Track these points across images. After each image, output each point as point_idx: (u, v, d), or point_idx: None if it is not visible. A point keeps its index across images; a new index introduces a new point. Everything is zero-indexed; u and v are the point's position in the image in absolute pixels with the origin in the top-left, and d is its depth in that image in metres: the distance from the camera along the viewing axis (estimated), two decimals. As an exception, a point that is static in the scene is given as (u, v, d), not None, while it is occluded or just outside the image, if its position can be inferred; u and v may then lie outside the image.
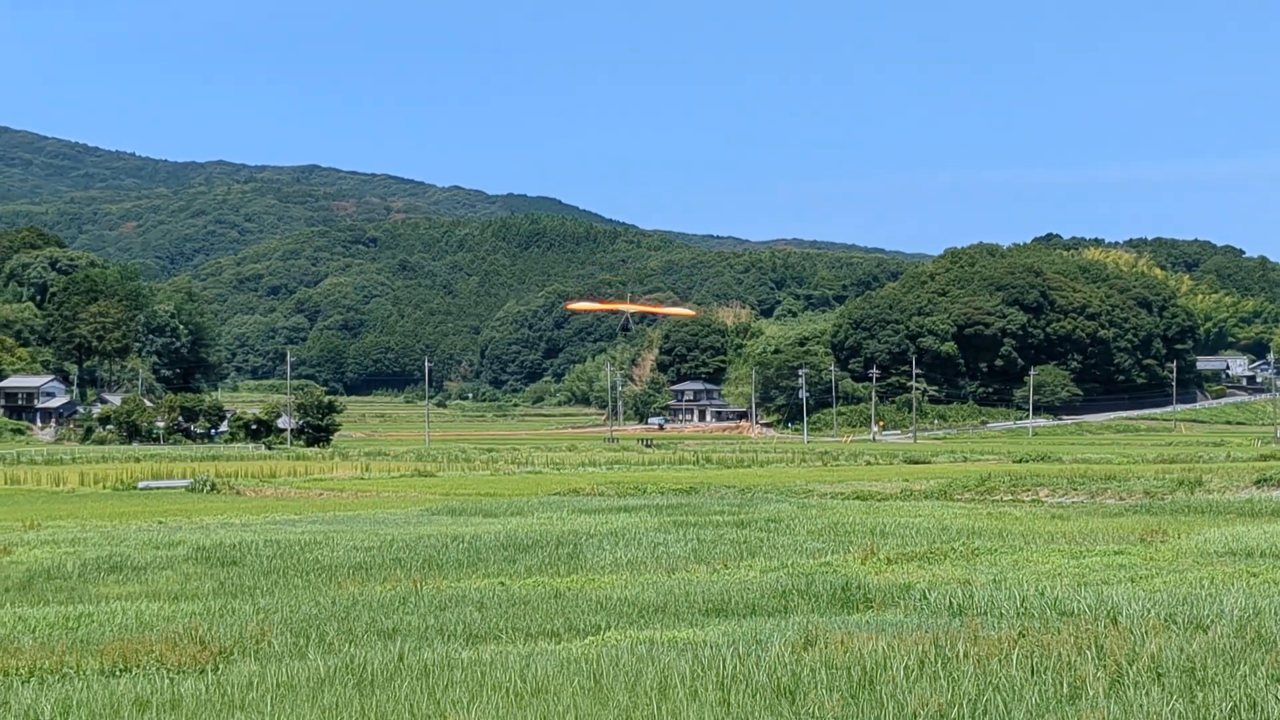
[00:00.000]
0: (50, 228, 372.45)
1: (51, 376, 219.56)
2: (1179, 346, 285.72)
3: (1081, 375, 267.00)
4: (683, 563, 36.98)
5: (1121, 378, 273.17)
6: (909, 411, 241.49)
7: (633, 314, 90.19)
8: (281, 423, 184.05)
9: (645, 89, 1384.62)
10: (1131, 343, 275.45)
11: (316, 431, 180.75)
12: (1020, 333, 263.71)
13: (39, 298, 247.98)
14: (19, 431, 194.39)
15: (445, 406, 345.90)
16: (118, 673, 19.68)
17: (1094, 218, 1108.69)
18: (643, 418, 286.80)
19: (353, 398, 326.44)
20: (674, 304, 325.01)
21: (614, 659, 18.62)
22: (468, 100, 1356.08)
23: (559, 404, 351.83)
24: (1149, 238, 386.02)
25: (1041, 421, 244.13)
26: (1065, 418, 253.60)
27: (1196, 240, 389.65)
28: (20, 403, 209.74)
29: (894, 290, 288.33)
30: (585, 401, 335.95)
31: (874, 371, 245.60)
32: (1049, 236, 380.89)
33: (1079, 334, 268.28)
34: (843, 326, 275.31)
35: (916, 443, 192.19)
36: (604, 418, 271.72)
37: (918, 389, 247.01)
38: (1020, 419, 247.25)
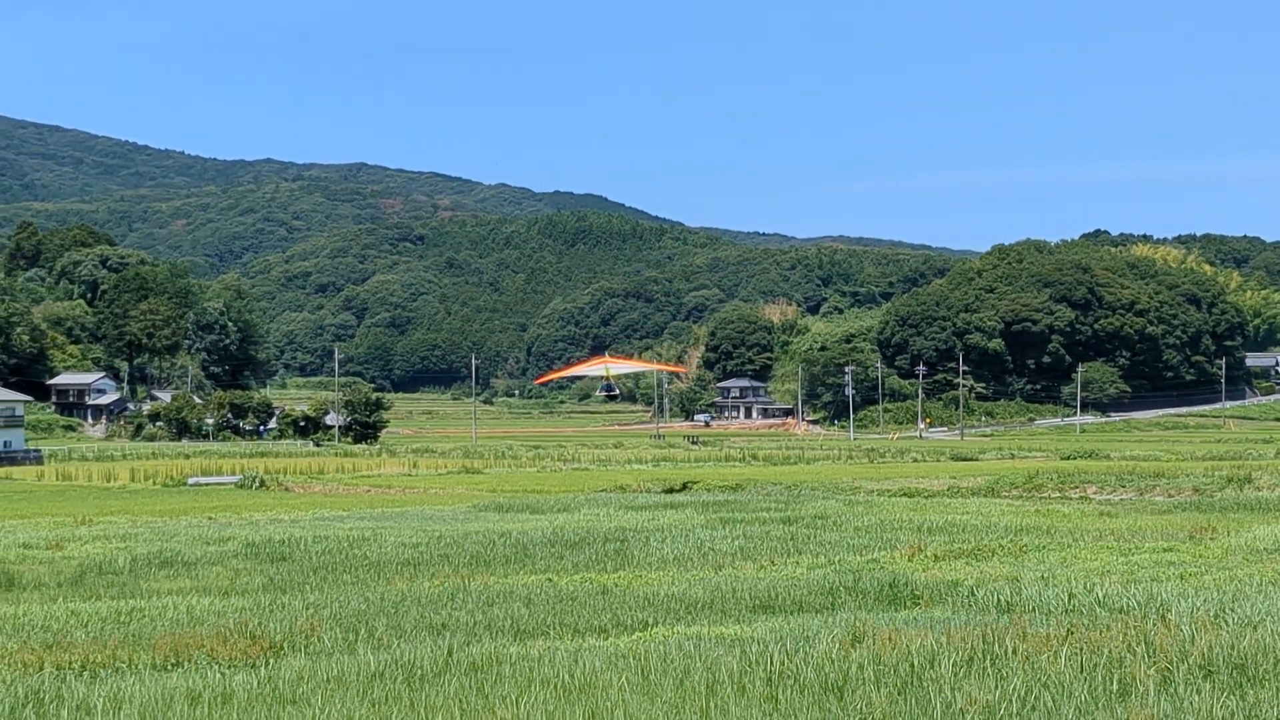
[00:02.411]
0: (101, 226, 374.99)
1: (102, 374, 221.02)
2: (1228, 343, 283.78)
3: (1130, 372, 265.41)
4: (730, 559, 36.99)
5: (1170, 374, 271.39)
6: (956, 408, 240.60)
7: (622, 372, 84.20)
8: (329, 420, 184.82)
9: (691, 87, 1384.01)
10: (1180, 339, 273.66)
11: (364, 428, 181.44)
12: (1068, 329, 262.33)
13: (90, 295, 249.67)
14: (70, 428, 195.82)
15: (492, 404, 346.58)
16: (169, 667, 19.83)
17: (1142, 214, 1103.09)
18: (689, 415, 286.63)
19: (400, 395, 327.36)
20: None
21: (662, 655, 18.65)
22: (514, 98, 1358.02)
23: (605, 400, 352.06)
24: (1198, 234, 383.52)
25: (1089, 418, 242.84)
26: (1113, 415, 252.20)
27: (1246, 236, 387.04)
28: (71, 400, 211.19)
29: (941, 287, 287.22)
30: (631, 399, 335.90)
31: (920, 368, 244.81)
32: (1097, 233, 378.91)
33: (1127, 331, 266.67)
34: (889, 323, 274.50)
35: (963, 440, 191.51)
36: (650, 415, 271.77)
37: (965, 386, 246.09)
38: (1068, 416, 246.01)
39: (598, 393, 76.98)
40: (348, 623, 24.52)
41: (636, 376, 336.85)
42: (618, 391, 69.61)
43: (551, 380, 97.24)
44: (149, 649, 21.08)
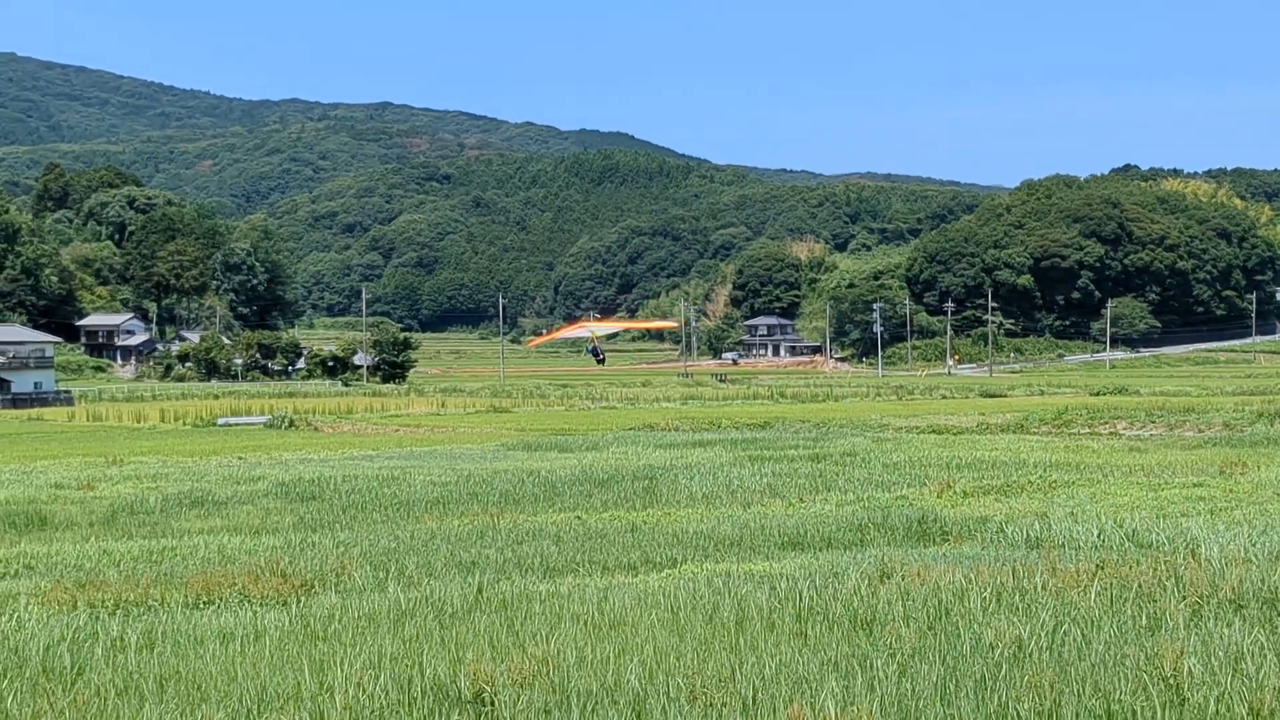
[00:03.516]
0: (127, 167, 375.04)
1: (131, 314, 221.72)
2: (1259, 277, 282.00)
3: (1160, 307, 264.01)
4: (758, 497, 37.04)
5: (1200, 309, 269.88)
6: (985, 345, 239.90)
7: (607, 332, 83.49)
8: (358, 360, 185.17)
9: (717, 24, 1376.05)
10: (1210, 274, 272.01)
11: (392, 368, 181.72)
12: (1098, 265, 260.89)
13: (117, 236, 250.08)
14: (100, 369, 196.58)
15: (520, 343, 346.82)
16: (201, 605, 19.97)
17: (1172, 148, 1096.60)
18: (717, 353, 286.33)
19: (428, 334, 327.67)
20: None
21: (691, 592, 18.70)
22: (540, 35, 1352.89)
23: (633, 339, 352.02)
24: (1228, 168, 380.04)
25: (1119, 354, 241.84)
26: (1143, 350, 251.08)
27: (1277, 170, 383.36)
28: (101, 340, 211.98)
29: (969, 223, 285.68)
30: (659, 337, 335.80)
31: (949, 305, 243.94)
32: (1127, 167, 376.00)
33: (1157, 266, 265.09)
34: (918, 260, 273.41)
35: (992, 376, 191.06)
36: (678, 353, 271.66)
37: (994, 322, 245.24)
38: (1097, 352, 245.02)
39: (584, 354, 76.49)
40: (378, 561, 24.64)
41: (664, 314, 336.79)
42: (603, 355, 69.33)
43: (541, 344, 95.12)
44: (181, 587, 21.22)
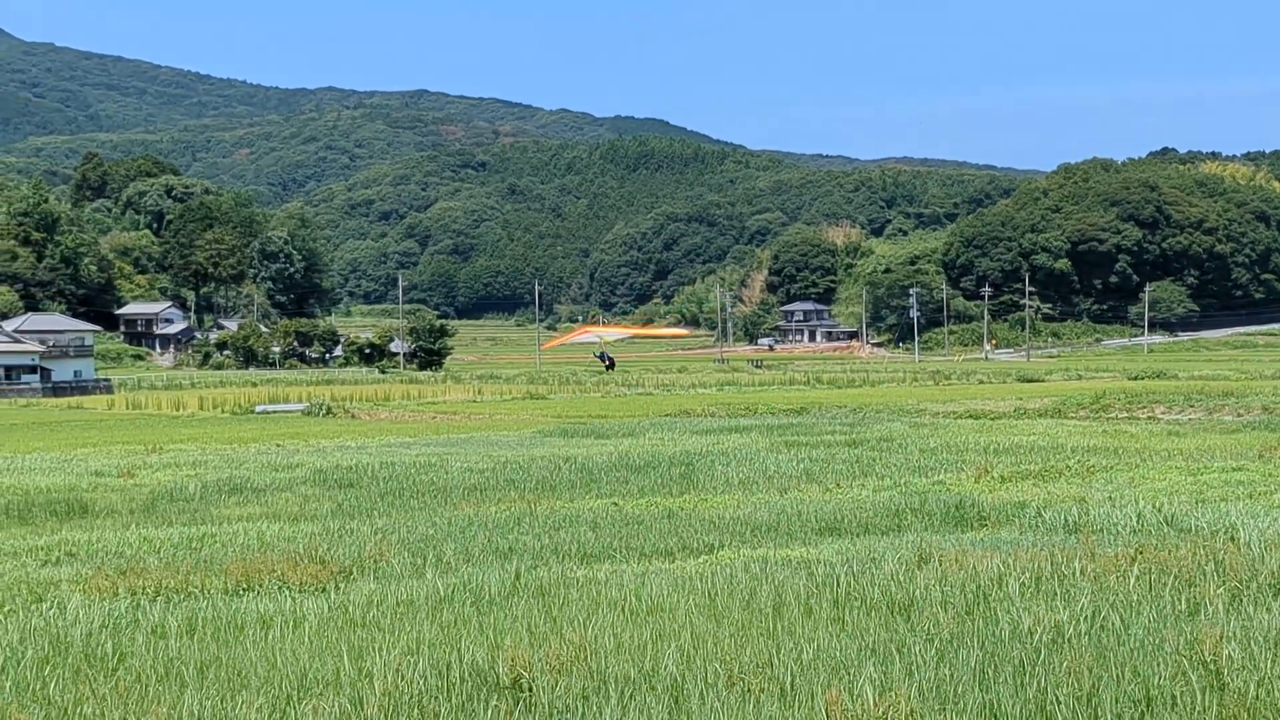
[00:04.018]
0: (165, 156, 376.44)
1: (169, 303, 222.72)
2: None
3: (1198, 291, 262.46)
4: (795, 482, 37.00)
5: (1239, 293, 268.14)
6: (1022, 330, 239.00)
7: (617, 339, 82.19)
8: (394, 347, 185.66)
9: (751, 10, 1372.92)
10: (1249, 257, 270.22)
11: (429, 355, 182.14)
12: (1135, 249, 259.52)
13: (156, 225, 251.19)
14: (139, 357, 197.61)
15: (555, 329, 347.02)
16: (241, 591, 20.07)
17: (1211, 131, 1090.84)
18: (752, 339, 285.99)
19: (464, 321, 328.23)
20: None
21: (729, 577, 18.71)
22: (574, 22, 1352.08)
23: (669, 325, 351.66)
24: (1267, 150, 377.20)
25: (1157, 338, 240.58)
26: (1181, 334, 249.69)
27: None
28: (140, 329, 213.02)
29: (1006, 207, 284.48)
30: (695, 323, 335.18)
31: (986, 290, 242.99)
32: (1164, 151, 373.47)
33: (1195, 249, 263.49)
34: (954, 244, 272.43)
35: (1030, 361, 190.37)
36: (714, 339, 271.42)
37: (1031, 307, 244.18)
38: (1135, 336, 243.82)
39: (593, 357, 76.18)
40: (415, 547, 24.72)
41: (700, 301, 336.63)
42: (611, 360, 68.83)
43: (552, 347, 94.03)
44: (221, 574, 21.34)
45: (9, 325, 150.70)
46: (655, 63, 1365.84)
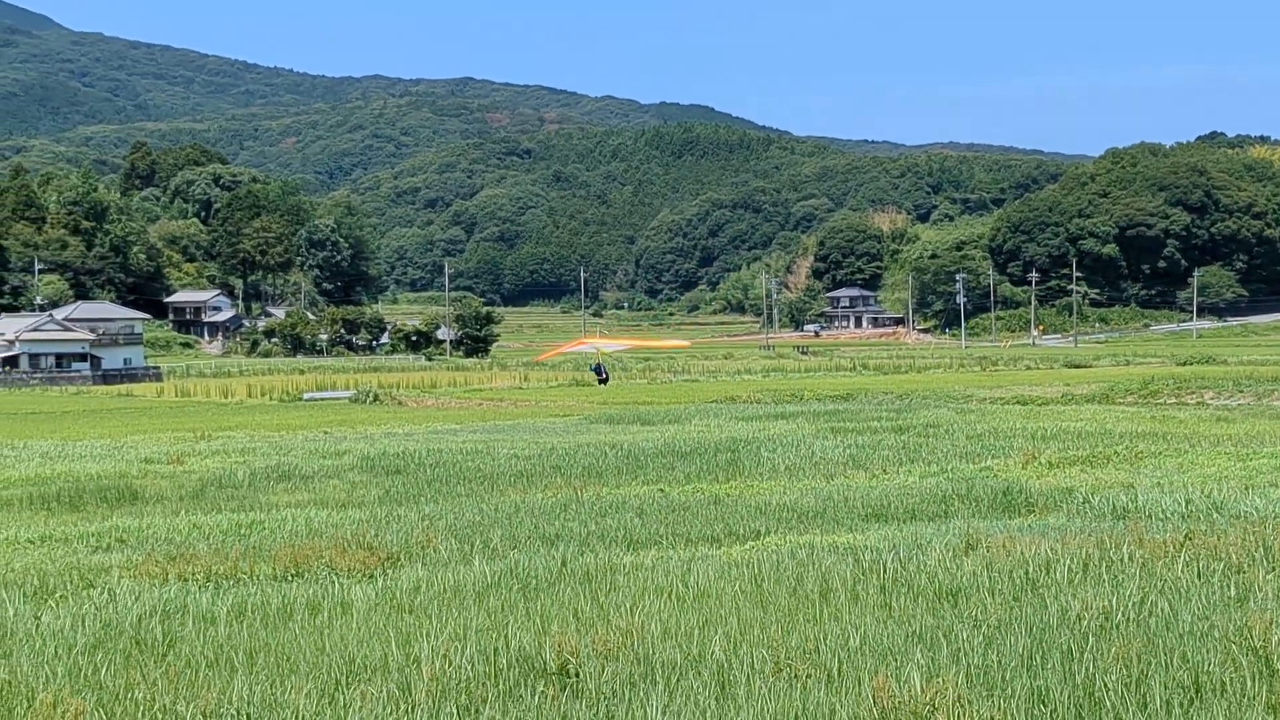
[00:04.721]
0: (212, 144, 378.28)
1: (217, 291, 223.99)
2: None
3: (1247, 276, 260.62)
4: (841, 468, 36.92)
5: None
6: (1069, 315, 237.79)
7: (615, 350, 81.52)
8: (441, 334, 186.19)
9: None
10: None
11: (475, 342, 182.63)
12: (1184, 233, 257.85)
13: (203, 214, 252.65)
14: (188, 345, 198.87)
15: (601, 316, 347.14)
16: (289, 577, 20.16)
17: (1260, 115, 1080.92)
18: (798, 325, 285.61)
19: (510, 309, 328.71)
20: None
21: (775, 563, 18.71)
22: (619, 8, 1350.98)
23: (714, 312, 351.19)
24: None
25: (1206, 323, 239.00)
26: (1230, 319, 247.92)
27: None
28: (188, 317, 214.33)
29: (1053, 192, 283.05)
30: (740, 309, 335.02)
31: (1033, 275, 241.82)
32: (1213, 135, 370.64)
33: (1244, 234, 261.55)
34: (1001, 230, 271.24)
35: (1077, 346, 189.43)
36: (759, 325, 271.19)
37: (1078, 292, 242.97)
38: (1184, 321, 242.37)
39: (588, 371, 75.86)
40: (462, 534, 24.78)
41: (745, 287, 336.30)
42: (606, 375, 68.47)
43: (548, 358, 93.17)
44: (269, 560, 21.45)
45: (60, 313, 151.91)
46: (700, 49, 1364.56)
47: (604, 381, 67.08)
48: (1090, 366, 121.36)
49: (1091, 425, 49.67)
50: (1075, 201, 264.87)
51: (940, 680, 11.46)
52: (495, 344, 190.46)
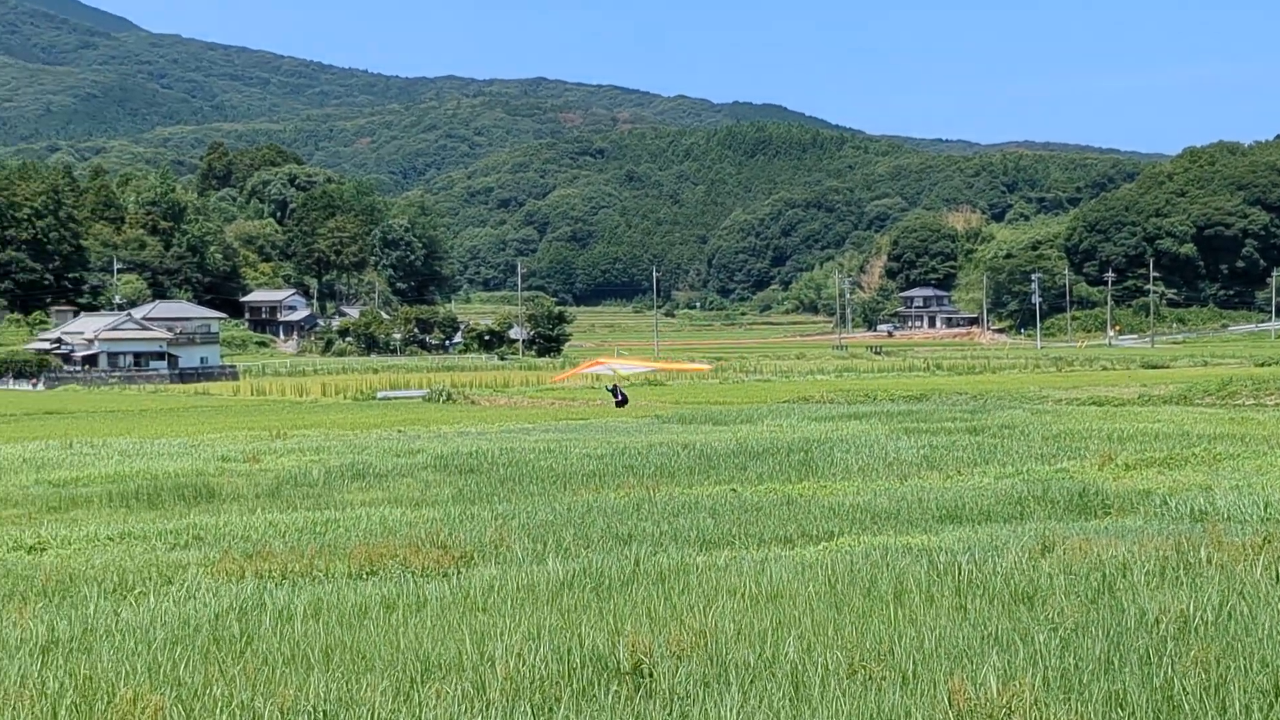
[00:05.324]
0: (288, 145, 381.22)
1: (293, 290, 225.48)
2: None
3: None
4: (915, 469, 36.77)
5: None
6: (1146, 315, 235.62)
7: (632, 373, 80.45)
8: (513, 333, 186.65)
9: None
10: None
11: (547, 342, 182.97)
12: (1263, 233, 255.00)
13: (279, 214, 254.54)
14: (263, 344, 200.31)
15: (673, 316, 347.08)
16: (364, 575, 20.28)
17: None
18: (871, 325, 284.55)
19: (582, 308, 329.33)
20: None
21: (849, 564, 18.64)
22: (691, 7, 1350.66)
23: (786, 312, 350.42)
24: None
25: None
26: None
27: None
28: (264, 316, 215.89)
29: (1130, 191, 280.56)
30: (813, 309, 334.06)
31: (1109, 275, 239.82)
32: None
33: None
34: (1077, 229, 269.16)
35: (1154, 347, 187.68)
36: (832, 325, 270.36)
37: (1155, 292, 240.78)
38: (1263, 322, 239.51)
39: (605, 389, 75.07)
40: (536, 533, 24.84)
41: (818, 287, 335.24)
42: (624, 396, 67.72)
43: (561, 380, 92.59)
44: (344, 558, 21.58)
45: (138, 313, 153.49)
46: (773, 48, 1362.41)
47: (622, 404, 66.59)
48: (1167, 367, 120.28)
49: (1169, 427, 49.21)
50: (1152, 201, 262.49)
51: (1017, 683, 11.38)
52: (567, 343, 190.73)
